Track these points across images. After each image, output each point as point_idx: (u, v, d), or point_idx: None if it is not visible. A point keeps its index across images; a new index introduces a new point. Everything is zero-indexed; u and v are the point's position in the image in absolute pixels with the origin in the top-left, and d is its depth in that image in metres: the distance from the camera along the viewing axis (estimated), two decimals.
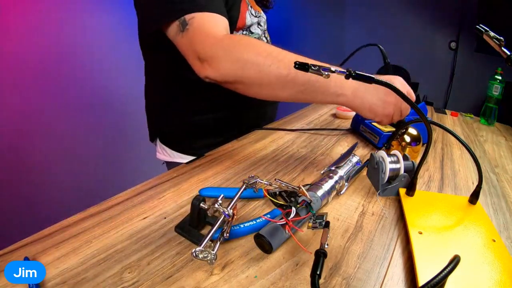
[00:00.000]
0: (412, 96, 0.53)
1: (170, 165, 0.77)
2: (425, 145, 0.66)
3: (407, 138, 0.60)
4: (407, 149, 0.60)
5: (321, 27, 2.25)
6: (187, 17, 0.50)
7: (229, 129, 0.73)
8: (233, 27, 0.64)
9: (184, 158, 0.71)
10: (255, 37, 0.71)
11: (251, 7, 0.71)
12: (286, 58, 0.48)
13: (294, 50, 0.51)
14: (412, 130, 0.61)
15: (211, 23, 0.51)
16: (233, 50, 0.48)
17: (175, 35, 0.52)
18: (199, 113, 0.71)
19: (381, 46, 0.64)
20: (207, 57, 0.49)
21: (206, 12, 0.51)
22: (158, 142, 0.79)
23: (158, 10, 0.53)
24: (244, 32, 0.68)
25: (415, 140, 0.60)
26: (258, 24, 0.73)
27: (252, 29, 0.70)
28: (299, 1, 2.28)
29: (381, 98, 0.51)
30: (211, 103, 0.70)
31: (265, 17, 0.77)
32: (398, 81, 0.53)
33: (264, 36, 0.76)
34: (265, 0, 0.79)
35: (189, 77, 0.60)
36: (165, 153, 0.77)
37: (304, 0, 2.30)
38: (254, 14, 0.71)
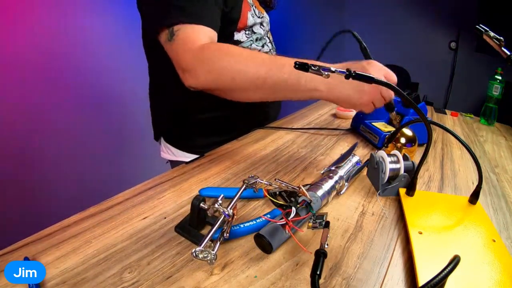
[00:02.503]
0: (392, 78, 0.53)
1: (174, 164, 0.77)
2: (421, 145, 0.67)
3: (402, 140, 0.60)
4: (403, 150, 0.60)
5: (321, 27, 2.25)
6: (175, 28, 0.53)
7: (234, 128, 0.73)
8: (234, 27, 0.65)
9: (189, 157, 0.71)
10: (257, 37, 0.71)
11: (255, 7, 0.71)
12: (254, 64, 0.51)
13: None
14: (407, 131, 0.60)
15: (194, 36, 0.53)
16: (208, 61, 0.51)
17: (164, 43, 0.55)
18: (204, 112, 0.71)
19: (354, 32, 0.62)
20: (187, 69, 0.53)
21: (193, 24, 0.53)
22: (162, 140, 0.80)
23: (153, 18, 0.56)
24: (247, 32, 0.69)
25: (410, 141, 0.60)
26: (261, 24, 0.73)
27: (255, 29, 0.71)
28: (299, 1, 2.28)
29: (355, 88, 0.51)
30: (215, 101, 0.70)
31: (268, 18, 0.78)
32: (374, 67, 0.53)
33: (267, 36, 0.76)
34: (268, 1, 0.79)
35: None
36: (169, 152, 0.78)
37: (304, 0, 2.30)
38: (257, 15, 0.71)
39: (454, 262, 0.27)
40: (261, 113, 0.80)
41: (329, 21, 2.20)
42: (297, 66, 0.35)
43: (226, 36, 0.65)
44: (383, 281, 0.33)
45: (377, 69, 0.53)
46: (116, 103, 1.48)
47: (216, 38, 0.57)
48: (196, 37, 0.53)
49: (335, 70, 0.34)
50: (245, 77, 0.50)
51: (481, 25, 0.62)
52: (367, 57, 0.61)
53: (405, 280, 0.33)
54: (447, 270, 0.26)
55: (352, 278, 0.33)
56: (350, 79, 0.50)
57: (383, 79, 0.51)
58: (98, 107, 1.42)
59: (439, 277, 0.26)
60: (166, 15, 0.53)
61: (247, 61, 0.51)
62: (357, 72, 0.34)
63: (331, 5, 2.19)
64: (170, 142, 0.77)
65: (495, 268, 0.33)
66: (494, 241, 0.38)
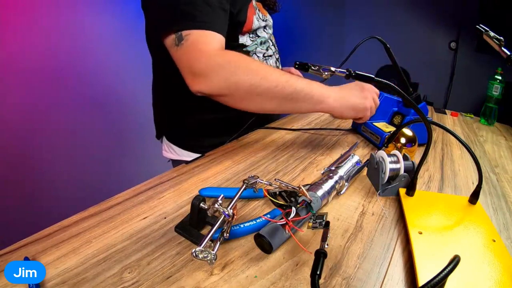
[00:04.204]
0: (376, 100, 0.65)
1: (177, 163, 0.77)
2: (421, 145, 0.67)
3: (402, 140, 0.60)
4: (403, 150, 0.60)
5: (321, 27, 2.25)
6: (184, 33, 0.52)
7: (238, 128, 0.73)
8: (240, 30, 0.65)
9: (192, 156, 0.71)
10: (261, 40, 0.72)
11: (258, 10, 0.71)
12: (274, 73, 0.53)
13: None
14: (407, 131, 0.60)
15: (205, 41, 0.53)
16: (226, 67, 0.51)
17: (170, 47, 0.55)
18: (209, 111, 0.71)
19: (381, 39, 0.65)
20: (201, 73, 0.52)
21: (203, 30, 0.53)
22: (164, 139, 0.79)
23: (160, 20, 0.56)
24: (251, 35, 0.69)
25: (410, 141, 0.60)
26: (265, 28, 0.73)
27: (259, 32, 0.71)
28: (300, 1, 2.28)
29: (359, 96, 0.60)
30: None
31: (271, 21, 0.77)
32: (365, 85, 0.64)
33: (270, 39, 0.76)
34: (272, 4, 0.79)
35: None
36: (171, 151, 0.77)
37: (304, 0, 2.30)
38: (262, 18, 0.71)
39: (454, 262, 0.27)
40: (264, 115, 0.80)
41: (329, 21, 2.20)
42: (297, 66, 0.35)
43: (231, 39, 0.65)
44: (383, 281, 0.33)
45: (369, 87, 0.63)
46: (116, 102, 1.48)
47: (224, 44, 0.57)
48: (208, 42, 0.53)
49: (335, 70, 0.34)
50: (264, 85, 0.52)
51: (481, 25, 0.62)
52: (391, 58, 0.67)
53: (405, 280, 0.33)
54: (447, 270, 0.26)
55: (352, 278, 0.33)
56: (353, 88, 0.60)
57: (375, 96, 0.63)
58: (98, 106, 1.41)
59: (439, 277, 0.26)
60: (174, 19, 0.53)
61: (265, 71, 0.53)
62: (356, 72, 0.34)
63: (331, 6, 2.19)
64: (173, 141, 0.77)
65: (495, 268, 0.33)
66: (494, 241, 0.38)
